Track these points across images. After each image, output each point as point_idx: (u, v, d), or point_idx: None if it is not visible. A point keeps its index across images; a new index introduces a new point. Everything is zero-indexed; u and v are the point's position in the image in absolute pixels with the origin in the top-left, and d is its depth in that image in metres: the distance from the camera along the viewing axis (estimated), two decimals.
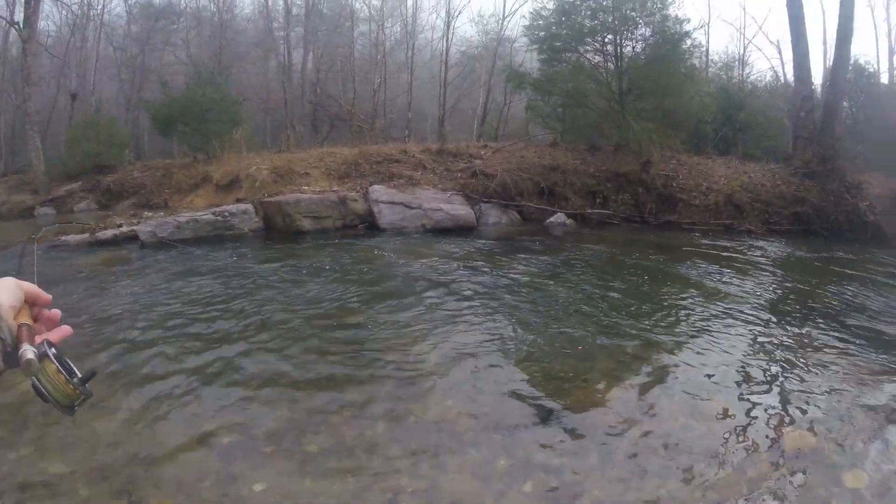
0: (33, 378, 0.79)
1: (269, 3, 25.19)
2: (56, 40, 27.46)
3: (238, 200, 12.54)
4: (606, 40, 13.84)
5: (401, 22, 25.63)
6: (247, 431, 3.37)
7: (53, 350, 0.81)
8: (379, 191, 11.38)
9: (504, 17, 23.41)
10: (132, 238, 10.36)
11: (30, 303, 0.88)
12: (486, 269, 7.57)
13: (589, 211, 12.66)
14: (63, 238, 10.87)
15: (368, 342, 4.84)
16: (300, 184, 12.12)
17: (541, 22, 14.25)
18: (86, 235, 10.80)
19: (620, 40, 13.65)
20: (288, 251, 8.99)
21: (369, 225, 10.94)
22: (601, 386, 4.03)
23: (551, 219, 12.03)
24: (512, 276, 7.26)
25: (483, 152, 14.35)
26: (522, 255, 8.65)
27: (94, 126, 18.96)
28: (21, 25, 18.54)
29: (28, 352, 0.77)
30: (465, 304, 5.94)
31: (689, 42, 13.78)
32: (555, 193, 12.90)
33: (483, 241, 9.96)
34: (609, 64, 14.10)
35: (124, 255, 9.27)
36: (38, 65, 21.40)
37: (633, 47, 13.98)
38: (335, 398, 3.78)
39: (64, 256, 9.41)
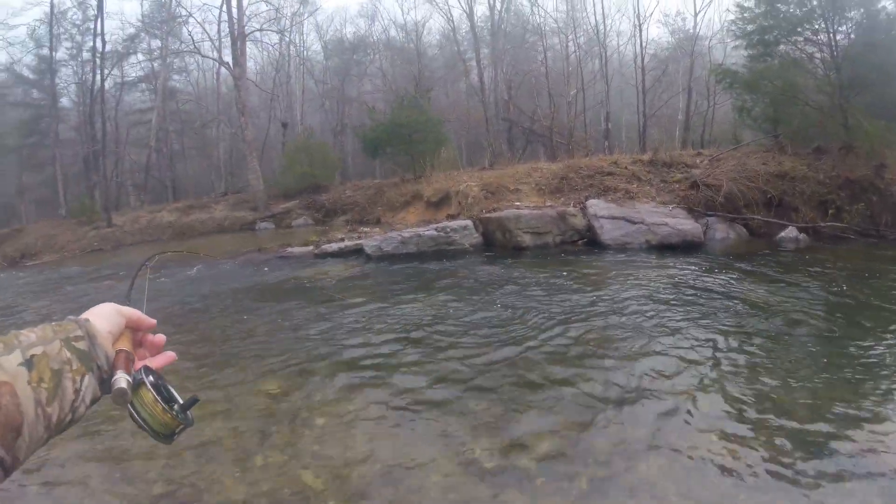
0: (129, 406, 0.74)
1: (455, 27, 26.27)
2: (261, 77, 31.06)
3: (449, 216, 12.88)
4: (818, 28, 12.25)
5: (584, 31, 25.22)
6: (511, 458, 3.12)
7: (151, 378, 0.76)
8: (597, 205, 10.95)
9: (696, 14, 22.01)
10: (356, 251, 11.00)
11: (132, 328, 0.84)
12: (728, 292, 6.71)
13: (822, 224, 11.09)
14: (290, 249, 11.95)
15: (617, 365, 4.47)
16: (511, 199, 12.11)
17: (746, 14, 13.01)
18: (310, 247, 11.76)
19: (833, 27, 12.00)
20: (519, 266, 8.87)
21: (588, 240, 10.55)
22: (873, 426, 3.41)
23: (783, 233, 10.71)
24: (757, 301, 6.31)
25: (698, 161, 13.31)
26: (765, 277, 7.58)
27: (306, 150, 20.88)
28: (231, 65, 21.20)
29: (120, 380, 0.72)
30: (712, 330, 5.24)
31: None
32: (783, 204, 11.54)
33: (715, 259, 9.01)
34: (823, 54, 12.45)
35: (353, 267, 9.74)
36: (248, 99, 24.26)
37: (848, 34, 12.22)
38: (597, 429, 3.48)
39: (295, 266, 10.18)
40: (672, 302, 6.36)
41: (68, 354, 0.70)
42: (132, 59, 28.92)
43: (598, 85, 21.74)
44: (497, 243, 10.53)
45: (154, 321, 0.87)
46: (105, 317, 0.80)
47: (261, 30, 23.76)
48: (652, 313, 5.91)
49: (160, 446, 3.27)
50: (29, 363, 0.65)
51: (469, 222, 10.78)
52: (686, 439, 3.34)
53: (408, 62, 24.87)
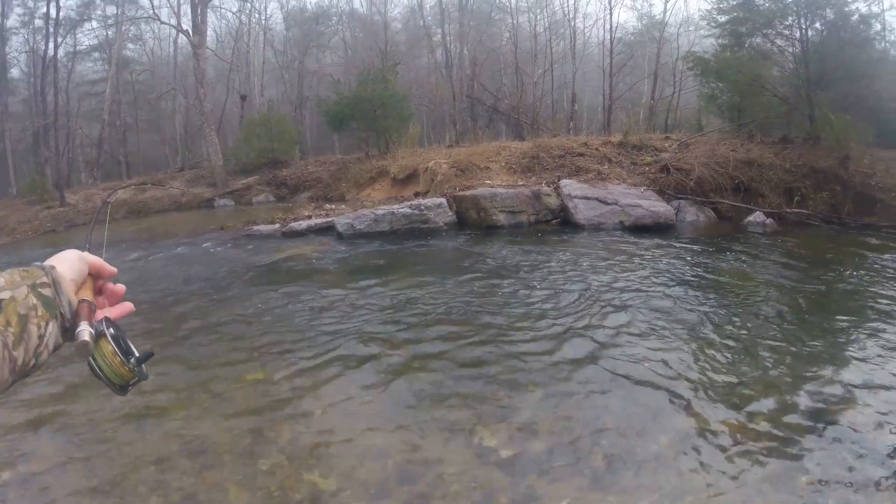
0: (88, 357, 0.75)
1: (422, 1, 25.62)
2: (218, 47, 29.78)
3: (416, 194, 12.61)
4: (791, 23, 12.51)
5: (551, 12, 25.03)
6: (523, 444, 3.04)
7: (111, 330, 0.78)
8: (570, 185, 10.88)
9: (666, 0, 22.14)
10: (326, 229, 10.59)
11: (94, 275, 0.85)
12: (715, 273, 6.85)
13: (787, 210, 11.37)
14: (255, 228, 11.41)
15: (615, 346, 4.46)
16: (482, 178, 11.92)
17: (723, 5, 13.17)
18: (277, 226, 11.27)
19: (806, 23, 12.28)
20: (502, 246, 8.65)
21: (562, 220, 10.48)
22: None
23: (750, 218, 10.94)
24: (738, 281, 6.47)
25: (667, 145, 13.41)
26: (746, 257, 7.69)
27: (265, 124, 20.08)
28: (191, 33, 20.16)
29: (84, 333, 0.74)
30: (702, 310, 5.37)
31: (879, 25, 12.20)
32: (750, 190, 11.78)
33: (692, 241, 9.11)
34: (794, 49, 12.71)
35: (326, 245, 9.37)
36: (206, 69, 23.13)
37: (821, 31, 12.51)
38: (601, 408, 3.44)
39: (263, 245, 9.69)
40: (661, 282, 6.41)
41: (34, 300, 0.71)
42: (87, 26, 27.25)
43: (563, 66, 21.60)
44: (471, 222, 10.34)
45: (115, 269, 0.88)
46: (69, 263, 0.80)
47: None
48: (644, 294, 5.96)
49: (148, 451, 3.05)
50: None
51: (443, 200, 10.54)
52: (688, 415, 3.36)
53: (373, 34, 24.18)
